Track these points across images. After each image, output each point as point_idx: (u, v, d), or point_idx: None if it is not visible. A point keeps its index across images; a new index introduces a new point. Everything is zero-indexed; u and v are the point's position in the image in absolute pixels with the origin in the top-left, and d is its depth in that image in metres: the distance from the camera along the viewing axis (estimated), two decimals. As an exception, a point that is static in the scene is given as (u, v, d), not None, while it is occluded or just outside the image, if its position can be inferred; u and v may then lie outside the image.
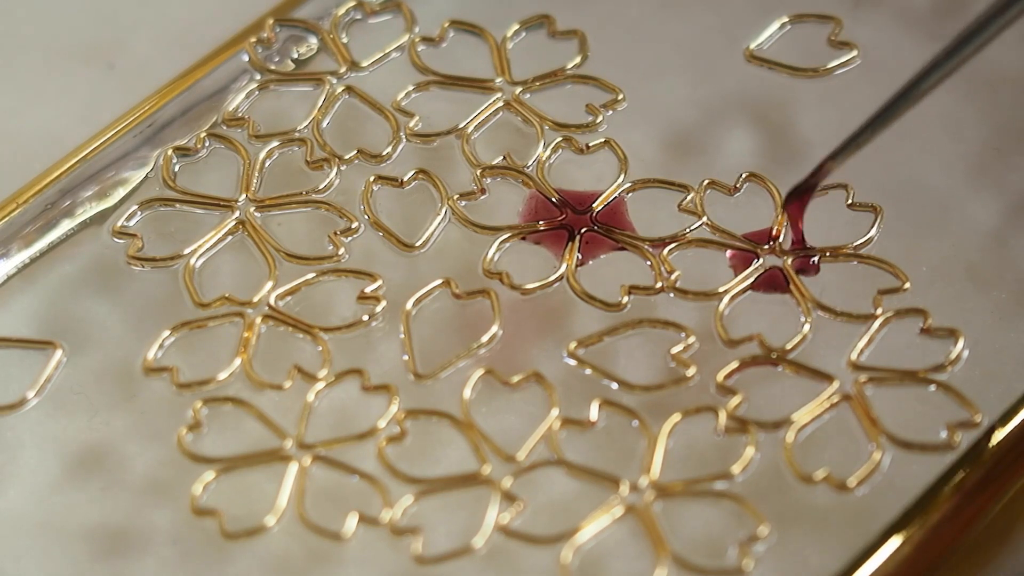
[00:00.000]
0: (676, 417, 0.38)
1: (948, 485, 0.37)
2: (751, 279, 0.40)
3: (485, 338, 0.39)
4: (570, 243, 0.40)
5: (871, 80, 0.42)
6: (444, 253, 0.40)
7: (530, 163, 0.41)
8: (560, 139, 0.42)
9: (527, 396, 0.39)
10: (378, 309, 0.39)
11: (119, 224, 0.41)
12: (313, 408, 0.38)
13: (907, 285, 0.39)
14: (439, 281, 0.40)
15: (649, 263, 0.40)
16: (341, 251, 0.40)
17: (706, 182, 0.41)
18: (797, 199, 0.40)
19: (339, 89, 0.43)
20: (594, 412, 0.38)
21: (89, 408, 0.39)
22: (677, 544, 0.37)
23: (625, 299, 0.39)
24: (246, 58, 0.43)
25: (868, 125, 0.38)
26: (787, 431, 0.38)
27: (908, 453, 0.37)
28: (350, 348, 0.39)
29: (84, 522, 0.38)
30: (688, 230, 0.40)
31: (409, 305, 0.40)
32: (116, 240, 0.41)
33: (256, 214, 0.41)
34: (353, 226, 0.40)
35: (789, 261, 0.40)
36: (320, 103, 0.42)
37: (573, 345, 0.39)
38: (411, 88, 0.42)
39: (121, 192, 0.41)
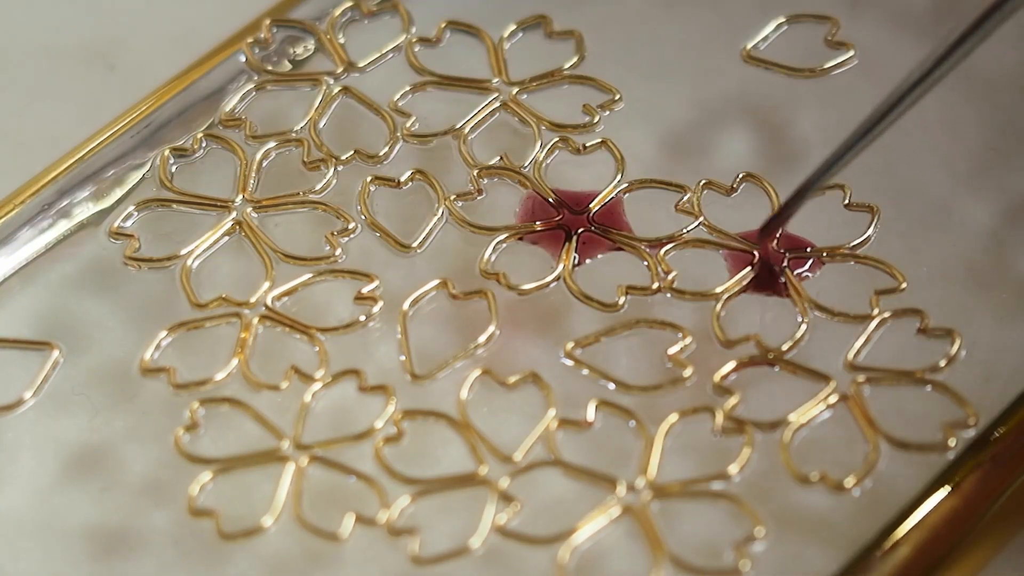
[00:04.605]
0: (673, 417, 0.38)
1: (945, 485, 0.37)
2: (748, 279, 0.40)
3: (482, 338, 0.39)
4: (567, 243, 0.40)
5: (868, 80, 0.42)
6: (441, 253, 0.40)
7: (527, 163, 0.41)
8: (557, 139, 0.42)
9: (524, 397, 0.39)
10: (375, 310, 0.39)
11: (116, 225, 0.41)
12: (310, 409, 0.38)
13: (904, 285, 0.39)
14: (436, 281, 0.40)
15: (646, 263, 0.40)
16: (338, 252, 0.40)
17: (703, 182, 0.41)
18: (767, 236, 0.40)
19: (336, 90, 0.43)
20: (591, 412, 0.38)
21: (89, 408, 0.39)
22: (674, 544, 0.37)
23: (622, 299, 0.39)
24: (243, 59, 0.43)
25: (837, 157, 0.39)
26: (784, 431, 0.38)
27: (905, 453, 0.37)
28: (347, 349, 0.39)
29: (83, 522, 0.38)
30: (685, 230, 0.40)
31: (406, 306, 0.40)
32: (113, 241, 0.41)
33: (253, 215, 0.41)
34: (350, 227, 0.40)
35: (786, 261, 0.40)
36: (317, 104, 0.42)
37: (570, 345, 0.39)
38: (408, 88, 0.42)
39: (118, 193, 0.41)
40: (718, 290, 0.40)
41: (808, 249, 0.40)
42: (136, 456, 0.39)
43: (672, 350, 0.39)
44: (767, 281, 0.40)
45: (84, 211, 0.41)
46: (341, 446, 0.38)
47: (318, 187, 0.41)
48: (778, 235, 0.40)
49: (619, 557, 0.37)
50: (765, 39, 0.43)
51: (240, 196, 0.41)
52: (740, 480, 0.37)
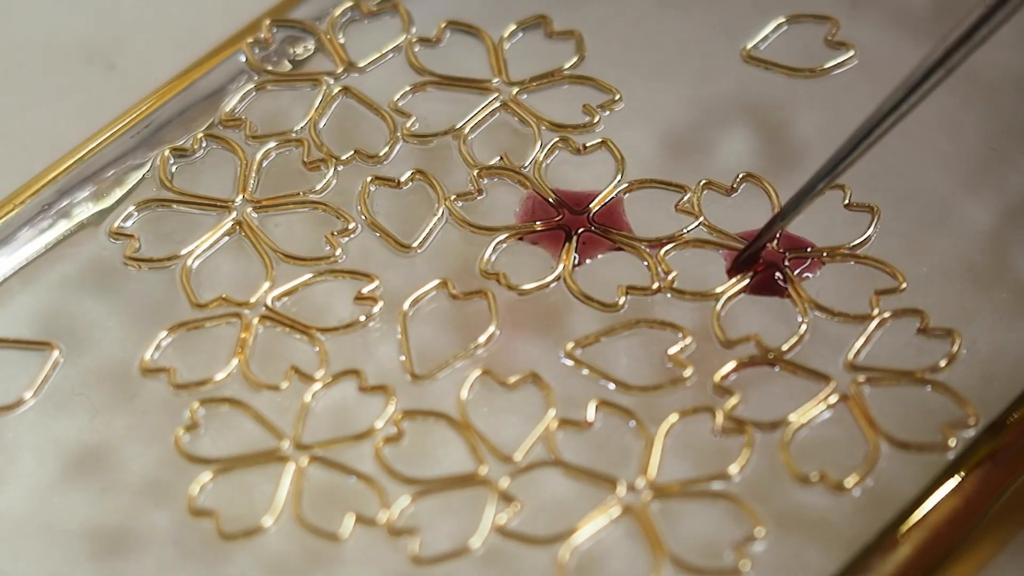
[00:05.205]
0: (673, 418, 0.38)
1: (946, 485, 0.37)
2: (747, 280, 0.40)
3: (482, 339, 0.39)
4: (567, 243, 0.40)
5: (868, 80, 0.42)
6: (441, 254, 0.40)
7: (527, 163, 0.41)
8: (557, 139, 0.42)
9: (524, 397, 0.39)
10: (375, 310, 0.39)
11: (116, 225, 0.41)
12: (310, 409, 0.38)
13: (904, 285, 0.39)
14: (436, 282, 0.40)
15: (646, 263, 0.40)
16: (338, 252, 0.40)
17: (703, 182, 0.41)
18: (743, 267, 0.40)
19: (336, 90, 0.43)
20: (591, 413, 0.38)
21: (89, 409, 0.39)
22: (674, 544, 0.37)
23: (622, 299, 0.39)
24: (243, 59, 0.43)
25: (821, 176, 0.39)
26: (784, 431, 0.38)
27: (906, 453, 0.37)
28: (347, 349, 0.39)
29: (83, 522, 0.38)
30: (685, 230, 0.40)
31: (406, 306, 0.40)
32: (113, 241, 0.41)
33: (253, 215, 0.41)
34: (350, 227, 0.40)
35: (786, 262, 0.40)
36: (317, 104, 0.42)
37: (570, 345, 0.39)
38: (408, 89, 0.42)
39: (118, 193, 0.41)
40: (718, 290, 0.40)
41: (808, 249, 0.40)
42: (136, 456, 0.39)
43: (672, 350, 0.39)
44: (767, 281, 0.40)
45: (84, 211, 0.41)
46: (341, 446, 0.38)
47: (318, 187, 0.41)
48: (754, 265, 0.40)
49: (619, 557, 0.37)
50: (765, 39, 0.43)
51: (240, 196, 0.41)
52: (740, 480, 0.37)
